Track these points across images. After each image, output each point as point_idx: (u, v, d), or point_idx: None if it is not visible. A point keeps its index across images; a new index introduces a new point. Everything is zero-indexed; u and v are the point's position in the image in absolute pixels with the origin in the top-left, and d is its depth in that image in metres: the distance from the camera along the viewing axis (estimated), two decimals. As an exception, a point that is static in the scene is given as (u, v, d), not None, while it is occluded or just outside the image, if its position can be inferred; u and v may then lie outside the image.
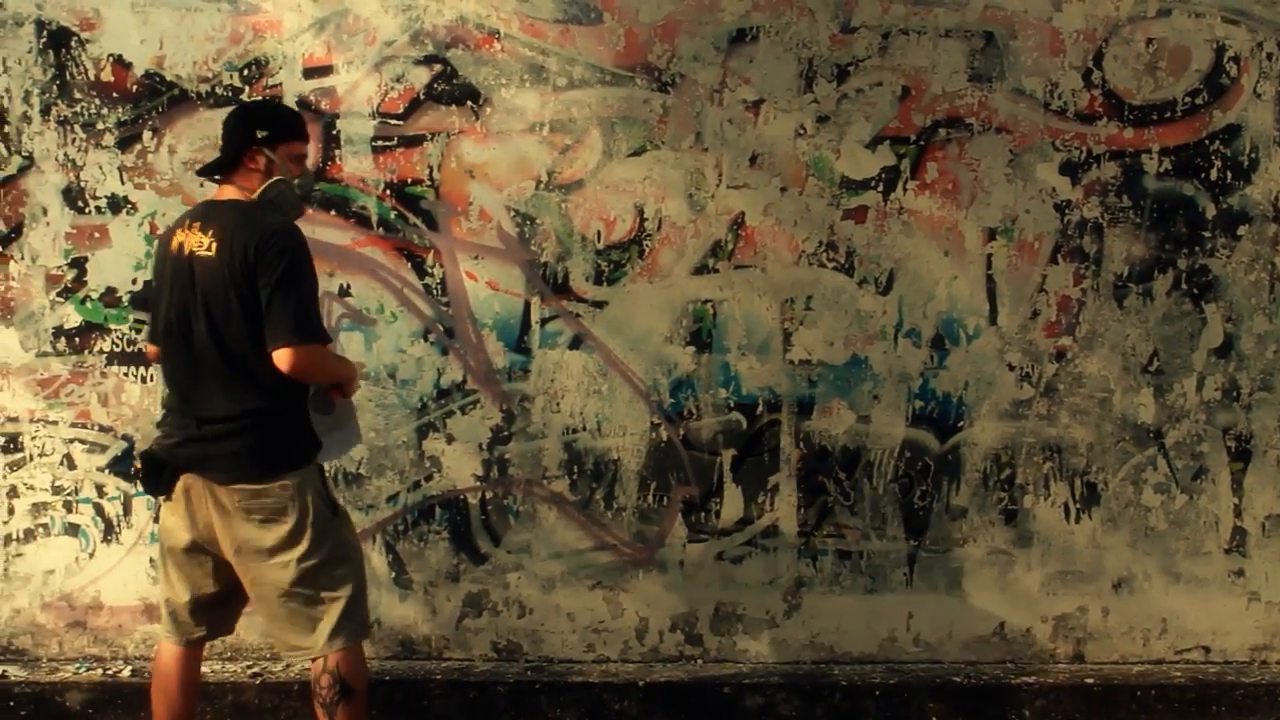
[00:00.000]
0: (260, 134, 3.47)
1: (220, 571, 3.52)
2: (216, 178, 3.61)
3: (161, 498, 3.52)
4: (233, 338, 3.36)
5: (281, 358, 3.31)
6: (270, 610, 3.47)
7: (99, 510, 4.54)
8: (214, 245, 3.36)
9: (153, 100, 4.46)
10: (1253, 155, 4.49)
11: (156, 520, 4.44)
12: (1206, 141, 4.50)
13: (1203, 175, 4.50)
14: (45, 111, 4.47)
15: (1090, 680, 4.44)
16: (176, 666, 3.60)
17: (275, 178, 3.48)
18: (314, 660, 3.46)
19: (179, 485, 3.45)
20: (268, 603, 3.46)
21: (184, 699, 3.61)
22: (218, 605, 3.58)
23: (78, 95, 4.46)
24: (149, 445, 3.61)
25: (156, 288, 3.59)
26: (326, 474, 3.64)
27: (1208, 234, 4.50)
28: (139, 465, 3.88)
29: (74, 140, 4.47)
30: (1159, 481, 4.55)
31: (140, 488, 4.42)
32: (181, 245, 3.43)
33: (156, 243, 3.82)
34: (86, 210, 4.48)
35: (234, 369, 3.37)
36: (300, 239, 3.43)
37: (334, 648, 3.43)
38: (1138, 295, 4.51)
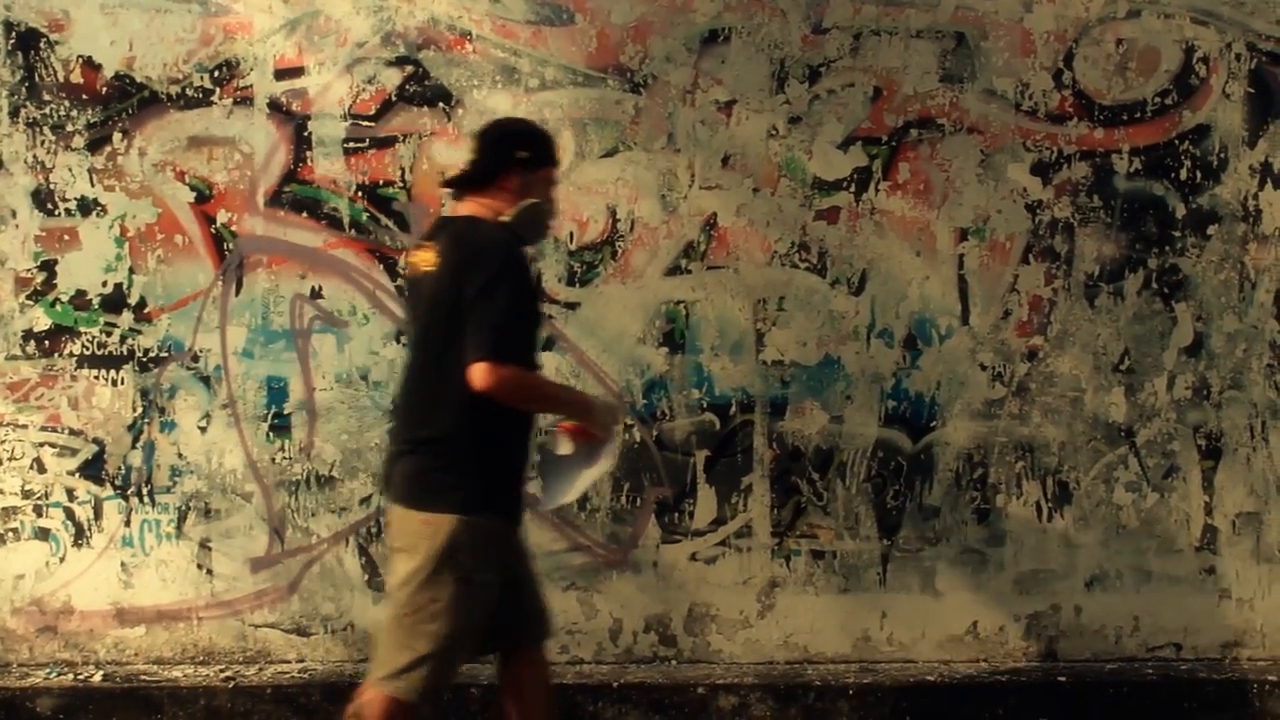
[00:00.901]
0: (521, 155, 3.32)
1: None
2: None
3: None
4: (434, 357, 3.20)
5: (473, 373, 3.07)
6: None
7: (69, 514, 4.51)
8: (436, 260, 3.21)
9: (123, 102, 4.44)
10: (1222, 155, 4.52)
11: (128, 524, 4.47)
12: (1176, 141, 4.52)
13: (1173, 175, 4.53)
14: (14, 113, 4.44)
15: (1063, 678, 4.46)
16: (506, 677, 3.43)
17: (531, 200, 3.30)
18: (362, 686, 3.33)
19: None
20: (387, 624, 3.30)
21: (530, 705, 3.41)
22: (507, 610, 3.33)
23: (47, 97, 4.43)
24: None
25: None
26: (510, 538, 3.33)
27: (1178, 233, 4.53)
28: None
29: (43, 142, 4.44)
30: (1130, 480, 4.58)
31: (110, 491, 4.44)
32: (414, 263, 3.34)
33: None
34: (56, 212, 4.46)
35: (430, 390, 3.21)
36: (521, 260, 3.24)
37: (381, 687, 3.21)
38: (1109, 295, 4.53)
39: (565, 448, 3.33)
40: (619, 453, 3.66)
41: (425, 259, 3.25)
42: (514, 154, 3.31)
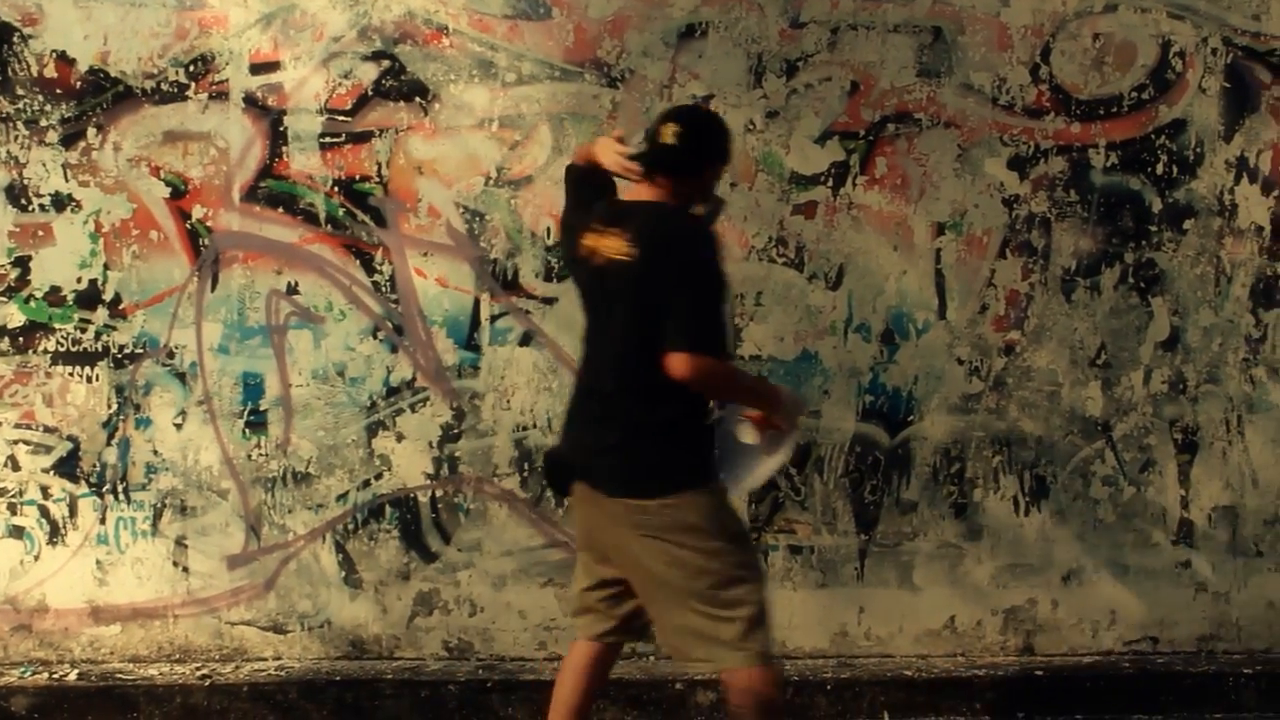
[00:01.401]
0: (724, 148, 3.39)
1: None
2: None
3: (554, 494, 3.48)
4: (644, 344, 3.18)
5: (674, 362, 3.11)
6: (666, 621, 3.34)
7: (44, 512, 4.48)
8: (631, 248, 3.18)
9: (97, 96, 4.41)
10: (1198, 150, 4.53)
11: (104, 521, 4.43)
12: (1153, 136, 4.53)
13: (1149, 170, 4.54)
14: (-13, 108, 4.42)
15: (1040, 672, 4.47)
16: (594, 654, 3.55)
17: (719, 197, 3.46)
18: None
19: (576, 489, 3.38)
20: (664, 612, 3.34)
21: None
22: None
23: (20, 91, 4.39)
24: (554, 446, 3.58)
25: (578, 289, 3.47)
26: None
27: (1154, 228, 4.54)
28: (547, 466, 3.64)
29: (16, 137, 4.40)
30: (1107, 474, 4.59)
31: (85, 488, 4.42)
32: (595, 248, 3.27)
33: (561, 237, 3.77)
34: (30, 208, 4.42)
35: (645, 378, 3.19)
36: (720, 250, 3.28)
37: (735, 665, 3.28)
38: (1085, 289, 4.54)
39: (750, 437, 3.39)
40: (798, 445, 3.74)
41: (615, 246, 3.21)
42: (719, 146, 3.36)
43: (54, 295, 4.44)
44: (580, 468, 3.34)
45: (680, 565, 3.21)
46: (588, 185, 3.51)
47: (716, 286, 3.21)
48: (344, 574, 4.53)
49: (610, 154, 3.41)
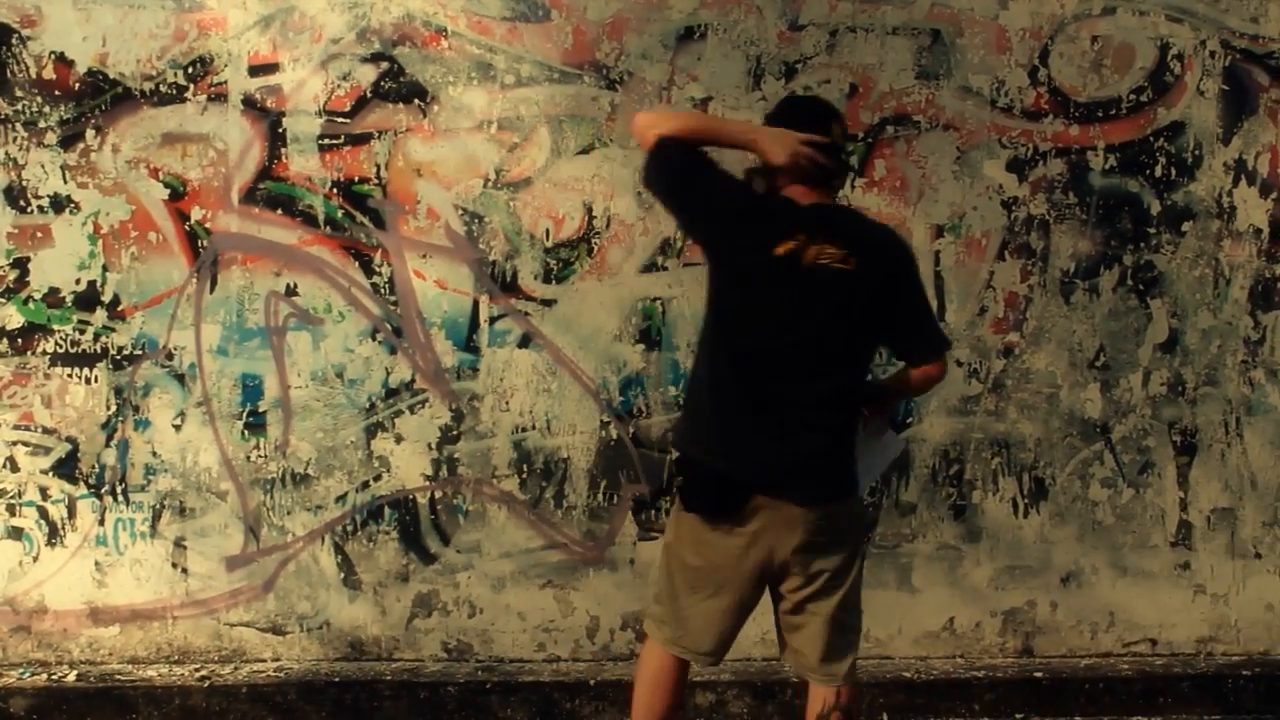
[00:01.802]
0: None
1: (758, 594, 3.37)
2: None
3: (706, 516, 3.26)
4: (837, 353, 3.19)
5: (936, 369, 3.31)
6: (835, 627, 3.34)
7: (43, 513, 4.48)
8: (852, 258, 3.13)
9: (96, 98, 4.40)
10: (1196, 152, 4.54)
11: (102, 522, 4.43)
12: (1151, 138, 4.54)
13: (1147, 172, 4.54)
14: (-14, 110, 4.42)
15: (1039, 674, 4.47)
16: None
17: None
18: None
19: (749, 505, 3.21)
20: (837, 617, 3.33)
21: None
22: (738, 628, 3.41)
23: (19, 93, 4.39)
24: (711, 463, 3.26)
25: (741, 291, 3.25)
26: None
27: (1153, 230, 4.54)
28: (700, 483, 3.31)
29: (15, 139, 4.40)
30: (1106, 476, 4.59)
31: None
32: (796, 254, 3.14)
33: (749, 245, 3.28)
34: (29, 210, 4.42)
35: (840, 382, 3.21)
36: None
37: (848, 678, 3.38)
38: (1084, 291, 4.55)
39: (874, 433, 3.49)
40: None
41: (832, 254, 3.13)
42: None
43: (53, 297, 4.44)
44: (767, 482, 3.18)
45: (859, 560, 3.35)
46: (697, 167, 3.34)
47: (923, 286, 3.36)
48: (343, 575, 4.53)
49: (791, 145, 3.23)
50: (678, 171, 3.33)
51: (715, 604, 3.31)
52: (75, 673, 4.46)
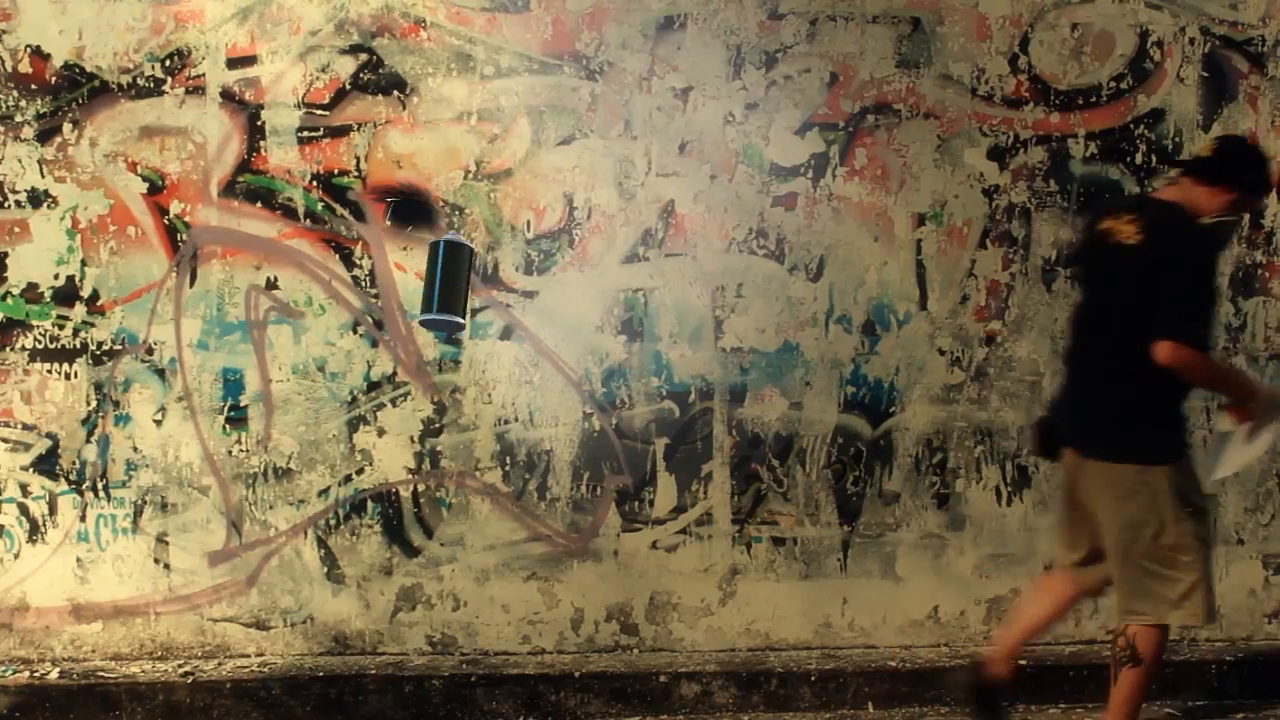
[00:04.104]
0: (1250, 179, 3.62)
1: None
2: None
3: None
4: (1128, 326, 3.50)
5: (1161, 348, 3.43)
6: (1116, 571, 3.68)
7: (23, 510, 4.46)
8: (1139, 235, 3.52)
9: (73, 92, 4.38)
10: (1176, 139, 4.54)
11: (84, 519, 4.41)
12: (1131, 126, 4.54)
13: (1128, 159, 4.55)
14: (-38, 104, 4.39)
15: (1023, 661, 4.45)
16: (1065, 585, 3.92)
17: (1229, 219, 3.72)
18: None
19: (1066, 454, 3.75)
20: (1116, 564, 3.66)
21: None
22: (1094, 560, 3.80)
23: (-5, 87, 4.37)
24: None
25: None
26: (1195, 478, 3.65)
27: (1133, 217, 4.54)
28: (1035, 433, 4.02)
29: (-8, 133, 4.38)
30: (1088, 463, 4.59)
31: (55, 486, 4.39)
32: (1109, 232, 3.60)
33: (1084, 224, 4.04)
34: (6, 205, 4.39)
35: (1118, 355, 3.53)
36: (1218, 257, 3.74)
37: (1136, 620, 3.63)
38: (1066, 279, 4.55)
39: (1226, 426, 3.71)
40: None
41: (1128, 232, 3.54)
42: (1245, 176, 3.62)
43: (31, 292, 4.41)
44: (1072, 435, 3.71)
45: (1140, 526, 3.56)
46: None
47: (1206, 286, 3.53)
48: (326, 569, 4.52)
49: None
50: None
51: (1061, 545, 3.97)
52: (58, 670, 4.43)
